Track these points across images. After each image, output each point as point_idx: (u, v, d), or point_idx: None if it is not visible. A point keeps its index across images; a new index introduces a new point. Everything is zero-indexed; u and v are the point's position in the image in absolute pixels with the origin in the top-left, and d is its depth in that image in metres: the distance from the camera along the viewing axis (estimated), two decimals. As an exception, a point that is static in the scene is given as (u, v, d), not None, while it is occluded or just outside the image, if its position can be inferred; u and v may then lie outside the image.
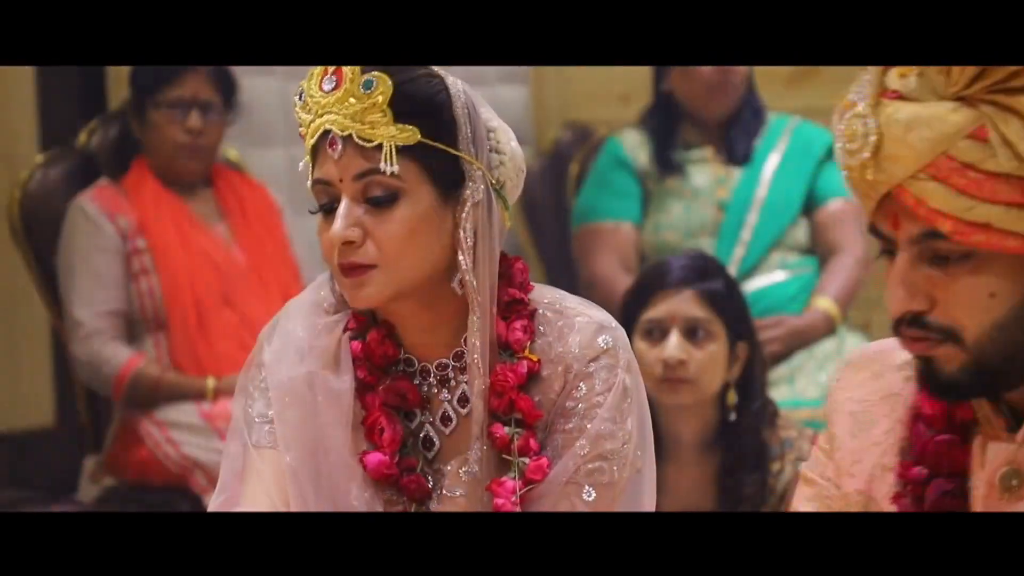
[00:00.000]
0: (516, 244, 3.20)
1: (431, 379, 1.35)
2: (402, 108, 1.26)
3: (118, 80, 3.13)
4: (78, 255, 2.68)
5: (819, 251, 3.04)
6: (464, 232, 1.29)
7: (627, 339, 1.37)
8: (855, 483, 1.16)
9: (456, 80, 1.32)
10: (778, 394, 2.50)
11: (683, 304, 2.12)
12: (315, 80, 1.29)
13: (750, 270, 3.00)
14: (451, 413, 1.34)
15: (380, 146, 1.26)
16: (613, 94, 3.65)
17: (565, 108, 3.84)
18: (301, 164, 1.33)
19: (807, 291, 3.00)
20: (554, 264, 3.35)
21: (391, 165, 1.25)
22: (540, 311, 1.35)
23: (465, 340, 1.32)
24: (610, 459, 1.29)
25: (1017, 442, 1.07)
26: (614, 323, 1.36)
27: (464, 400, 1.33)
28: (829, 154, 2.93)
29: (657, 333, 2.12)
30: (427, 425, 1.34)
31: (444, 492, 1.32)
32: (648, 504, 1.36)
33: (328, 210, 1.29)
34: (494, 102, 1.36)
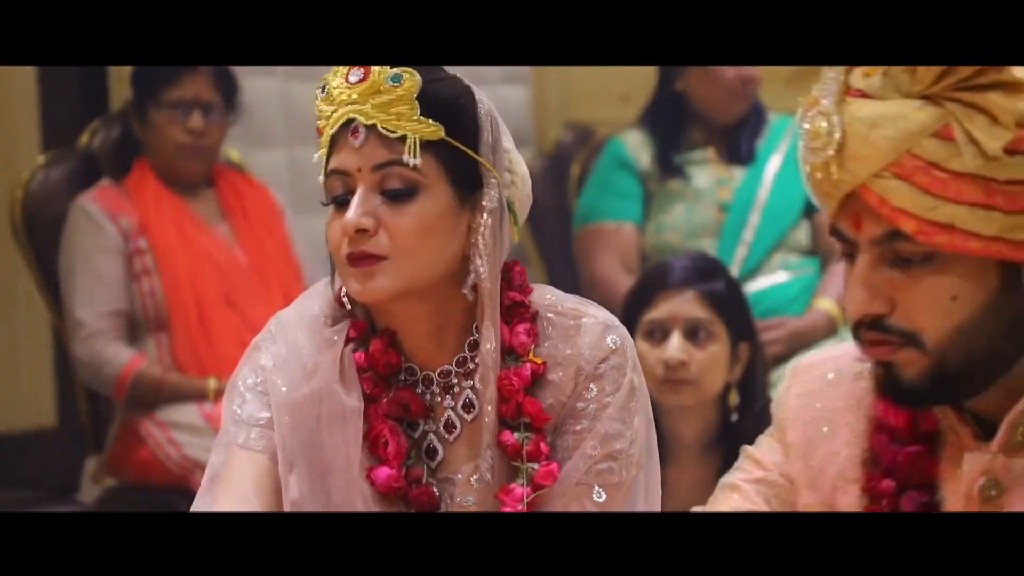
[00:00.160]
0: (517, 245, 3.20)
1: (434, 387, 1.34)
2: (429, 104, 1.26)
3: (120, 81, 3.13)
4: (80, 255, 2.68)
5: (821, 252, 3.04)
6: (483, 238, 1.29)
7: (630, 335, 1.37)
8: (815, 496, 1.14)
9: (479, 90, 1.32)
10: (780, 395, 2.50)
11: (685, 305, 2.12)
12: (340, 74, 1.28)
13: (752, 271, 2.99)
14: (455, 420, 1.33)
15: (403, 139, 1.25)
16: (614, 94, 3.65)
17: (566, 108, 3.84)
18: (316, 156, 1.32)
19: (809, 292, 3.00)
20: (555, 264, 3.35)
21: (415, 158, 1.25)
22: (541, 313, 1.35)
23: (467, 345, 1.32)
24: (619, 459, 1.29)
25: (992, 451, 1.05)
26: (616, 321, 1.36)
27: (468, 406, 1.32)
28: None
29: (658, 334, 2.11)
30: (431, 434, 1.33)
31: (457, 500, 1.31)
32: (653, 502, 1.36)
33: (341, 202, 1.28)
34: (495, 102, 1.36)
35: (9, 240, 2.86)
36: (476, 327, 1.31)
